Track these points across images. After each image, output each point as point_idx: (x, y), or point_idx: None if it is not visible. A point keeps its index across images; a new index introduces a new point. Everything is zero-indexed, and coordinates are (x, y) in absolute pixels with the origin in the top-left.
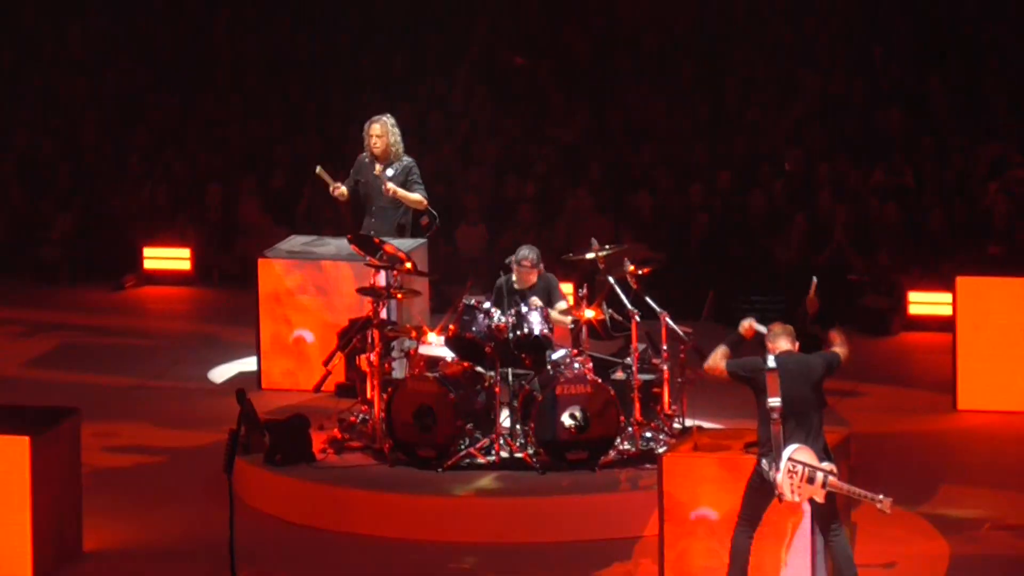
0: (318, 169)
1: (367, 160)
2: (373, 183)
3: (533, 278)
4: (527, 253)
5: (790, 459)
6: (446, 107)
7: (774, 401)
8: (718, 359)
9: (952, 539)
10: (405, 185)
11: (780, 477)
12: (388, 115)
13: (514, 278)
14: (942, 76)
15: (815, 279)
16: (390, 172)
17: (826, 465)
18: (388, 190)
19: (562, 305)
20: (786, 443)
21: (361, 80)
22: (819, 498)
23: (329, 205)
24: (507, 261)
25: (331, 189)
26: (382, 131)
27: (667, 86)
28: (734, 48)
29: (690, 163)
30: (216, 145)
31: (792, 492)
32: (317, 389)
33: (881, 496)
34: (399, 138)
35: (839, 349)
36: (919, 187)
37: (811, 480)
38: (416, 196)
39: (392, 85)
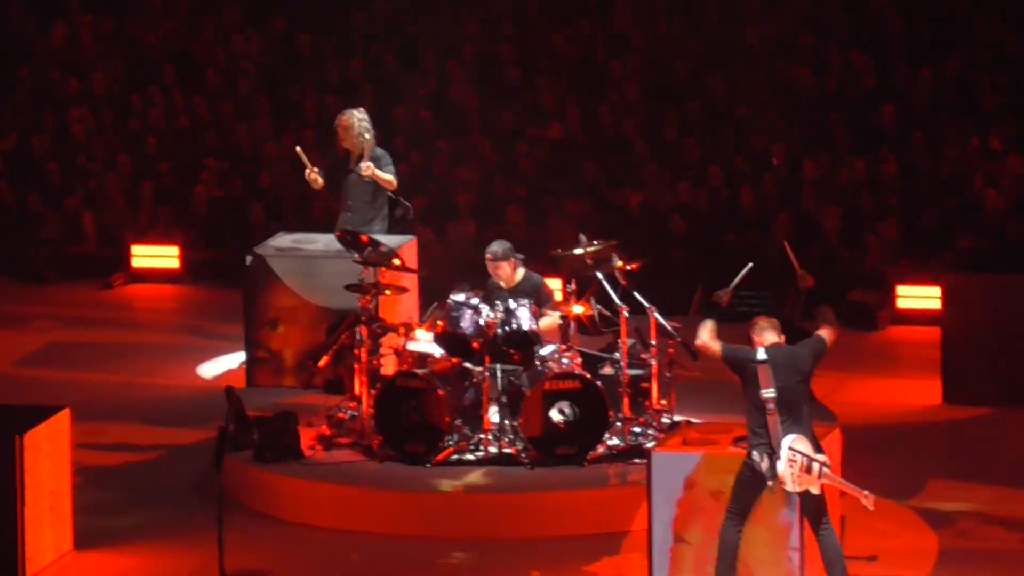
0: (297, 148)
1: (342, 156)
2: (347, 178)
3: (508, 272)
4: (494, 247)
5: (790, 448)
6: (438, 105)
7: (768, 392)
8: (709, 338)
9: (940, 532)
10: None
11: (782, 467)
12: (359, 109)
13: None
14: (934, 70)
15: (786, 242)
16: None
17: (821, 456)
18: (366, 168)
19: (554, 315)
20: (782, 434)
21: (353, 79)
22: (815, 489)
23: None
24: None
25: (306, 172)
26: (347, 125)
27: (656, 84)
28: (723, 46)
29: (680, 160)
30: (206, 144)
31: (793, 482)
32: (306, 386)
33: (866, 492)
34: (369, 132)
35: (824, 332)
36: (908, 181)
37: (809, 470)
38: (388, 176)
39: (384, 83)
